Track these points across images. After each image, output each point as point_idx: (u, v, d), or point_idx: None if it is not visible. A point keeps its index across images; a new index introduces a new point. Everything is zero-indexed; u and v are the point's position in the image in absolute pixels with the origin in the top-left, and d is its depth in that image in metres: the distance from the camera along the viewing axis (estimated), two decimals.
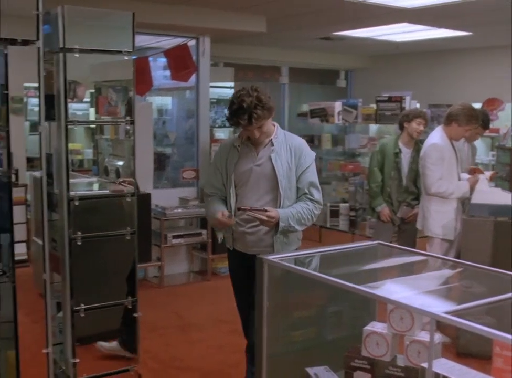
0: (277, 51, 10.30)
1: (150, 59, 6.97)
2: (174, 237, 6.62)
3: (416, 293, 2.54)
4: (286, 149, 3.45)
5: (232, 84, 9.41)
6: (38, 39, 3.06)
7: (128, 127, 3.43)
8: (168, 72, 7.17)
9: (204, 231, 6.76)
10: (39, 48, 3.10)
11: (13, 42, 3.03)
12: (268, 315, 2.62)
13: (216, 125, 8.47)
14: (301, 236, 3.63)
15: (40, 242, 4.71)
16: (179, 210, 6.77)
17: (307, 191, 3.47)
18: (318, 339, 3.03)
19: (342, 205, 8.34)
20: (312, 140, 8.62)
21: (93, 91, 5.02)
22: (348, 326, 3.00)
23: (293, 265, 2.59)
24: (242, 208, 3.36)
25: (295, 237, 3.56)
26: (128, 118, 3.49)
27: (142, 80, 6.30)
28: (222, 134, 8.70)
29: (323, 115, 8.28)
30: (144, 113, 6.59)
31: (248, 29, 7.32)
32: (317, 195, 3.50)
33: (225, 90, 9.37)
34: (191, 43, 7.08)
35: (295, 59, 10.67)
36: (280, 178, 3.40)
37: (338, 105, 8.13)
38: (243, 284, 3.59)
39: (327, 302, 2.97)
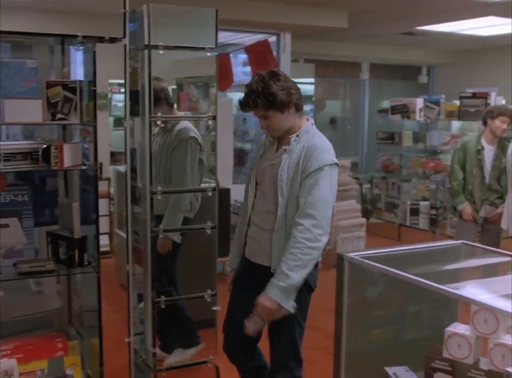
0: (358, 47, 10.18)
1: (231, 55, 7.02)
2: None
3: (500, 295, 2.46)
4: (301, 149, 2.90)
5: (312, 80, 9.37)
6: (124, 36, 3.13)
7: (210, 123, 3.46)
8: (248, 68, 7.21)
9: None
10: (125, 45, 3.17)
11: (100, 39, 3.11)
12: (347, 313, 2.61)
13: None
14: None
15: (123, 234, 4.85)
16: None
17: (298, 213, 2.82)
18: (397, 339, 2.98)
19: (422, 203, 8.22)
20: (392, 137, 8.50)
21: (174, 87, 5.11)
22: (428, 326, 2.95)
23: (374, 263, 2.55)
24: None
25: None
26: (210, 114, 3.52)
27: (223, 76, 6.36)
28: None
29: (405, 111, 8.16)
30: (225, 109, 6.65)
31: (329, 25, 7.28)
32: (308, 221, 2.78)
33: (306, 86, 9.34)
34: (272, 39, 7.10)
35: (376, 54, 10.52)
36: (280, 183, 2.88)
37: (419, 102, 8.00)
38: (242, 296, 3.11)
39: (406, 301, 2.92)
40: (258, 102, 2.83)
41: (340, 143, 11.07)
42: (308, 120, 3.01)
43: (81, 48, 3.37)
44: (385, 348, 2.91)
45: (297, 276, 2.78)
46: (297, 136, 2.94)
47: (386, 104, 9.10)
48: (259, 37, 7.01)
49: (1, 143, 3.14)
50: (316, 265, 2.98)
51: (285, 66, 7.28)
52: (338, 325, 2.64)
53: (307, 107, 8.69)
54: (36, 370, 3.19)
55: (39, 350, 3.25)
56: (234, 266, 3.22)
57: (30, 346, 3.24)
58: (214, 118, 3.47)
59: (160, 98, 3.65)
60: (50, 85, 3.09)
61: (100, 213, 3.32)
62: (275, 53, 7.00)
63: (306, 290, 2.97)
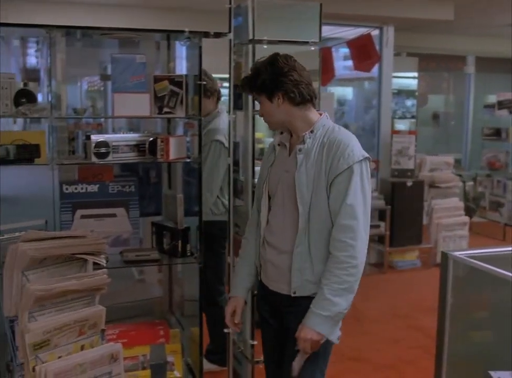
0: (463, 40, 9.86)
1: (332, 49, 6.98)
2: None
3: None
4: (320, 146, 2.45)
5: (415, 74, 9.17)
6: (229, 31, 3.17)
7: None
8: (348, 62, 7.15)
9: (382, 224, 6.68)
10: (230, 40, 3.21)
11: (206, 35, 3.16)
12: (450, 314, 2.55)
13: (397, 116, 8.33)
14: None
15: None
16: None
17: (335, 227, 2.37)
18: (502, 342, 2.88)
19: None
20: (499, 133, 8.20)
21: None
22: None
23: (480, 263, 2.47)
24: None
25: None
26: None
27: (325, 70, 6.34)
28: (403, 125, 8.52)
29: None
30: (326, 103, 6.61)
31: (434, 17, 7.09)
32: (347, 234, 2.34)
33: (408, 80, 9.16)
34: (375, 32, 7.00)
35: (482, 47, 10.15)
36: (300, 187, 2.43)
37: None
38: (268, 326, 2.68)
39: None
40: (245, 80, 2.56)
41: (442, 138, 10.80)
42: (323, 113, 2.58)
43: (187, 43, 3.43)
44: (489, 351, 2.81)
45: (345, 303, 2.35)
46: (312, 132, 2.49)
47: (492, 98, 8.79)
48: (361, 31, 6.92)
49: (110, 135, 3.25)
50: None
51: (388, 60, 7.17)
52: (440, 325, 2.58)
53: (408, 102, 8.53)
54: (139, 355, 3.29)
55: (142, 337, 3.35)
56: (238, 293, 2.69)
57: (133, 332, 3.36)
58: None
59: None
60: (157, 79, 3.18)
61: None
62: (377, 47, 6.90)
63: (330, 349, 2.54)
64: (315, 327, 2.34)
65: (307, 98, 2.47)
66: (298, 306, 2.44)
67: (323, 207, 2.40)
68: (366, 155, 2.43)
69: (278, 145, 2.60)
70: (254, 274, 2.69)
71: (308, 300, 2.40)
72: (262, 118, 2.60)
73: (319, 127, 2.49)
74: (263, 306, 2.67)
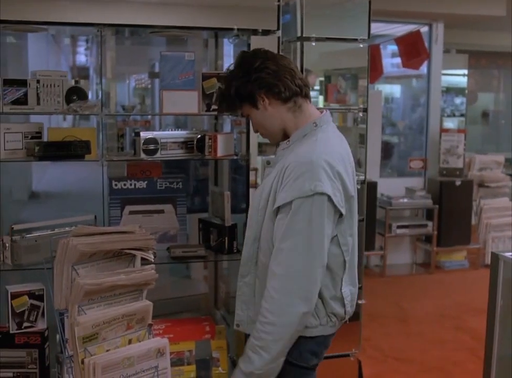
0: None
1: (380, 46, 6.92)
2: (399, 226, 6.56)
3: None
4: (282, 163, 2.01)
5: (465, 71, 9.02)
6: (278, 28, 3.16)
7: (360, 115, 3.42)
8: (396, 60, 7.08)
9: (430, 223, 6.61)
10: (278, 38, 3.20)
11: (254, 32, 3.16)
12: (500, 316, 2.50)
13: (446, 114, 8.21)
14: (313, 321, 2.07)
15: None
16: (405, 200, 6.71)
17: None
18: None
19: None
20: None
21: (322, 78, 5.10)
22: None
23: None
24: None
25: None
26: (360, 106, 3.49)
27: (373, 67, 6.27)
28: (451, 123, 8.39)
29: None
30: (374, 101, 6.56)
31: (485, 13, 6.95)
32: (272, 283, 1.95)
33: (457, 78, 9.02)
34: (424, 29, 6.91)
35: None
36: (251, 210, 2.12)
37: None
38: None
39: None
40: (221, 98, 2.23)
41: (492, 137, 10.61)
42: (321, 113, 2.12)
43: (235, 40, 3.44)
44: None
45: (258, 362, 1.96)
46: (288, 142, 2.07)
47: None
48: (409, 28, 6.84)
49: (159, 132, 3.28)
50: (319, 337, 2.11)
51: (437, 57, 7.08)
52: (489, 327, 2.53)
53: (457, 100, 8.40)
54: (185, 351, 3.32)
55: (187, 332, 3.37)
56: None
57: (179, 327, 3.38)
58: (365, 110, 3.43)
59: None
60: (205, 77, 3.19)
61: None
62: (426, 44, 6.81)
63: (298, 373, 2.14)
64: None
65: (295, 91, 2.05)
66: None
67: (270, 237, 2.01)
68: (321, 189, 1.90)
69: (267, 163, 2.15)
70: None
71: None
72: (260, 135, 2.22)
73: (298, 137, 2.05)
74: None
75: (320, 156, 1.93)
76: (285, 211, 1.93)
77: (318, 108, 2.19)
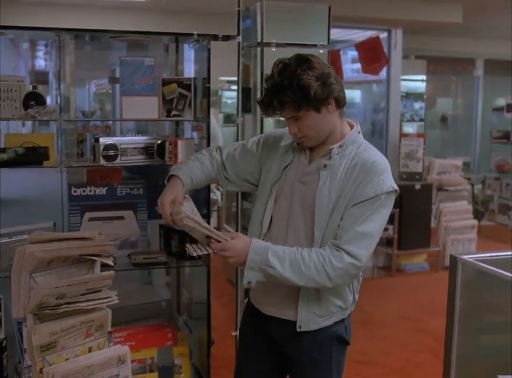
0: (472, 43, 9.84)
1: (340, 52, 6.99)
2: None
3: None
4: (347, 166, 2.12)
5: (424, 77, 9.17)
6: (238, 34, 3.17)
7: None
8: (356, 65, 7.16)
9: (390, 226, 6.66)
10: (238, 43, 3.21)
11: (215, 37, 3.16)
12: (459, 317, 2.54)
13: (405, 119, 8.33)
14: (349, 304, 2.26)
15: (231, 229, 4.92)
16: None
17: (339, 236, 2.07)
18: (511, 346, 2.87)
19: None
20: (508, 137, 8.19)
21: None
22: None
23: (490, 266, 2.46)
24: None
25: (332, 304, 2.21)
26: None
27: None
28: (411, 128, 8.52)
29: None
30: None
31: (443, 20, 7.09)
32: (354, 248, 2.05)
33: (416, 83, 9.16)
34: (383, 35, 7.00)
35: (491, 50, 10.13)
36: (318, 210, 2.11)
37: None
38: (251, 363, 2.41)
39: None
40: (286, 99, 2.04)
41: (451, 141, 10.77)
42: (355, 125, 2.22)
43: (196, 45, 3.44)
44: (498, 355, 2.80)
45: (287, 274, 2.05)
46: (340, 147, 2.14)
47: (501, 101, 8.76)
48: (369, 33, 6.94)
49: (119, 138, 3.26)
50: (349, 315, 2.32)
51: (396, 63, 7.18)
52: (448, 328, 2.57)
53: (417, 105, 8.52)
54: (147, 358, 3.30)
55: (149, 339, 3.35)
56: (182, 177, 2.33)
57: (141, 334, 3.36)
58: None
59: None
60: (165, 82, 3.18)
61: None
62: (386, 50, 6.90)
63: (341, 343, 2.35)
64: (252, 255, 2.06)
65: (345, 100, 2.17)
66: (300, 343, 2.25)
67: (335, 232, 2.09)
68: (396, 187, 2.15)
69: (298, 144, 2.22)
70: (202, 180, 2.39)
71: (313, 335, 2.23)
72: (299, 136, 2.16)
73: (350, 143, 2.15)
74: (252, 342, 2.41)
75: (386, 159, 2.18)
76: (367, 205, 2.07)
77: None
